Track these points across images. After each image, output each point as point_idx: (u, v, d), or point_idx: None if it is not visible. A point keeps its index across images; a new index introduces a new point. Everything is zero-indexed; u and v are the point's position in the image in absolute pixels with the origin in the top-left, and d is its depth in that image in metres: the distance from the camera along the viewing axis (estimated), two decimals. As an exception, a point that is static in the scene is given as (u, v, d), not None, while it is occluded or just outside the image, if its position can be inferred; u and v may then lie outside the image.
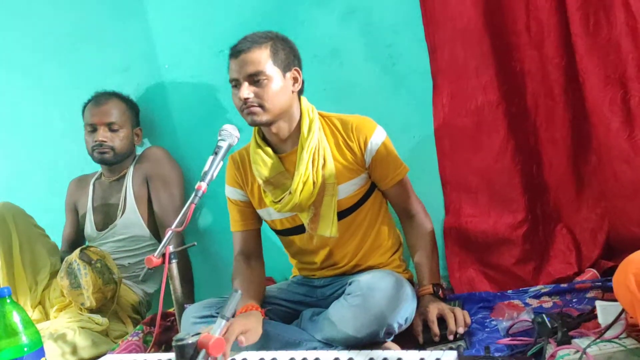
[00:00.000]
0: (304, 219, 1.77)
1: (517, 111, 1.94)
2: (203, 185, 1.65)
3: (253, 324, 1.50)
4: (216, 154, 1.72)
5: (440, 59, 2.00)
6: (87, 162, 2.45)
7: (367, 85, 2.15)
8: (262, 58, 1.69)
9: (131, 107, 2.43)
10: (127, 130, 2.39)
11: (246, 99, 1.68)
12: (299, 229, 1.82)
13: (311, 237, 1.79)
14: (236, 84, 1.71)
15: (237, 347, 1.42)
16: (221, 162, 1.73)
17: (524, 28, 1.89)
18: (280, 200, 1.75)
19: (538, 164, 1.97)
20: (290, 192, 1.72)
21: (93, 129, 2.36)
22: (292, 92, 1.75)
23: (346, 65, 2.16)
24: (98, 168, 2.50)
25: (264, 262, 1.91)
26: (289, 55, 1.75)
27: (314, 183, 1.72)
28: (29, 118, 2.75)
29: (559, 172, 1.95)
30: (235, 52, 1.71)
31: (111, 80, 2.47)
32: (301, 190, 1.71)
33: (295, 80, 1.76)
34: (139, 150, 2.49)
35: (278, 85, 1.70)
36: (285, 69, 1.73)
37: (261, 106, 1.69)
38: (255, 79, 1.68)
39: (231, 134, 1.77)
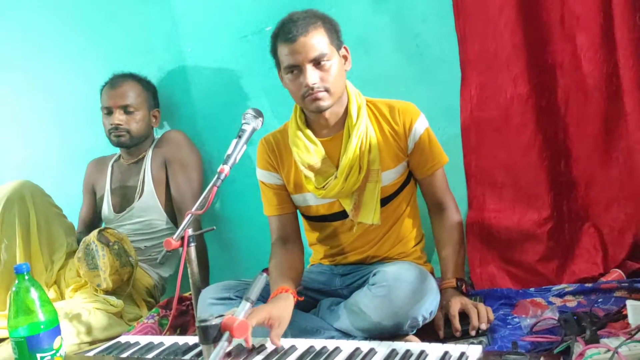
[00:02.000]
0: (347, 205, 1.72)
1: (547, 105, 1.89)
2: (226, 168, 1.64)
3: (280, 312, 1.44)
4: (240, 137, 1.70)
5: (470, 49, 1.95)
6: (106, 144, 2.43)
7: (393, 74, 2.10)
8: (322, 39, 1.61)
9: (147, 88, 2.40)
10: (143, 112, 2.36)
11: (313, 84, 1.60)
12: (336, 216, 1.77)
13: (352, 223, 1.74)
14: (296, 70, 1.63)
15: (262, 332, 1.39)
16: (245, 146, 1.71)
17: (558, 20, 1.84)
18: (324, 186, 1.70)
19: (566, 160, 1.92)
20: (335, 177, 1.68)
21: (109, 111, 2.35)
22: (345, 71, 1.70)
23: (372, 54, 2.11)
24: (117, 150, 2.49)
25: (303, 246, 1.84)
26: (338, 33, 1.69)
27: (360, 168, 1.68)
28: (50, 99, 2.74)
29: (588, 170, 1.90)
30: (291, 36, 1.59)
31: (133, 62, 2.45)
32: (347, 175, 1.67)
33: (345, 58, 1.71)
34: (157, 133, 2.47)
35: (337, 66, 1.64)
36: (337, 47, 1.67)
37: (327, 90, 1.62)
38: (321, 61, 1.61)
39: (256, 117, 1.74)
